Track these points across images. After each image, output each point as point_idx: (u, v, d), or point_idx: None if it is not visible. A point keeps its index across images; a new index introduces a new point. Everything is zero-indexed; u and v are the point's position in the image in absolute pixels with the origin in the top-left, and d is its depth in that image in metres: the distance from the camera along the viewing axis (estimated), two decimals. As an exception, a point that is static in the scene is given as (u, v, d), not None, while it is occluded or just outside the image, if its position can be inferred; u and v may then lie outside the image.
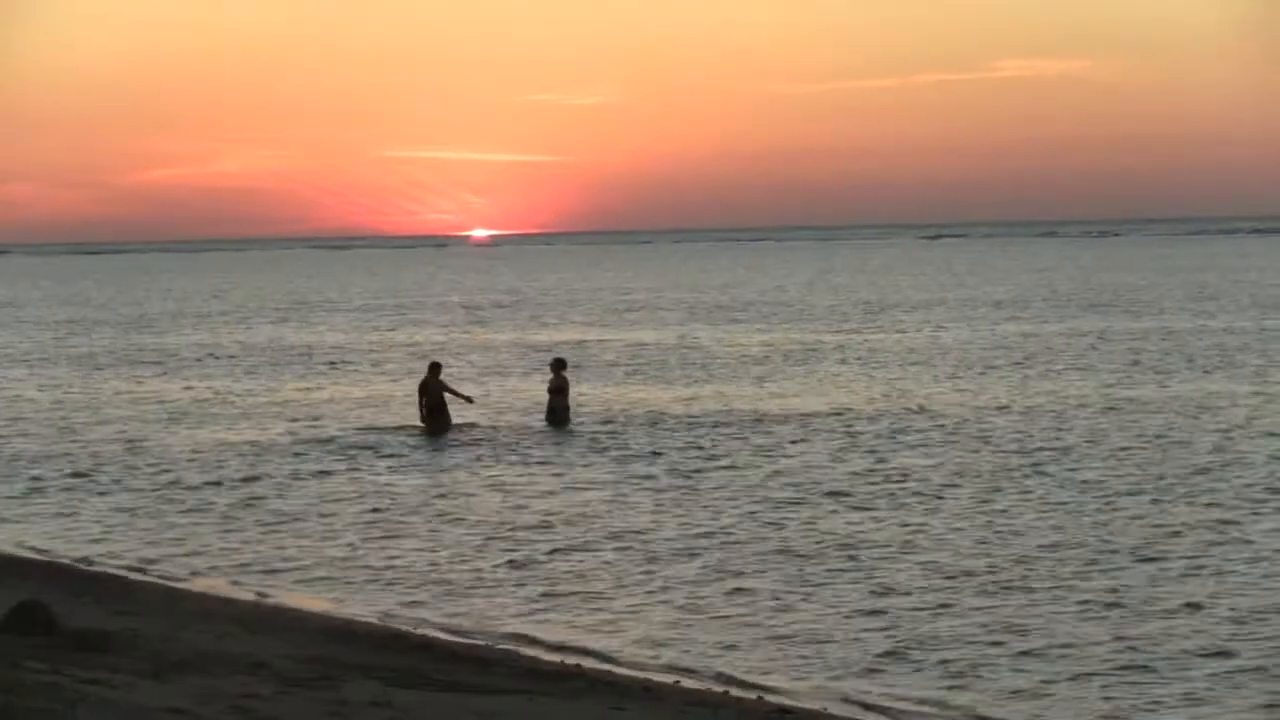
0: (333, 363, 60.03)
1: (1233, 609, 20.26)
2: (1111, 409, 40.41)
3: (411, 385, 43.36)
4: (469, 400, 39.32)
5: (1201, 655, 18.36)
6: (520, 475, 32.01)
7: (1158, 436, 35.24)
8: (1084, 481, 29.65)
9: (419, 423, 38.77)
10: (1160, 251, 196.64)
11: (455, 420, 38.84)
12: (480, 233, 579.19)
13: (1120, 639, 18.98)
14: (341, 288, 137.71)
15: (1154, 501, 27.44)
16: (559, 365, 40.12)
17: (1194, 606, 20.33)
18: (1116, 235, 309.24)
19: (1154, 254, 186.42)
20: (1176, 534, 24.74)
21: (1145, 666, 17.99)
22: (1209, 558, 23.11)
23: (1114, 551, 23.62)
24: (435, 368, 39.59)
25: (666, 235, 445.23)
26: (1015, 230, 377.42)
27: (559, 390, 39.41)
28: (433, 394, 38.81)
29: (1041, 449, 33.81)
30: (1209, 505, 27.06)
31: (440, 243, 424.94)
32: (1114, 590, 21.30)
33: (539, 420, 39.53)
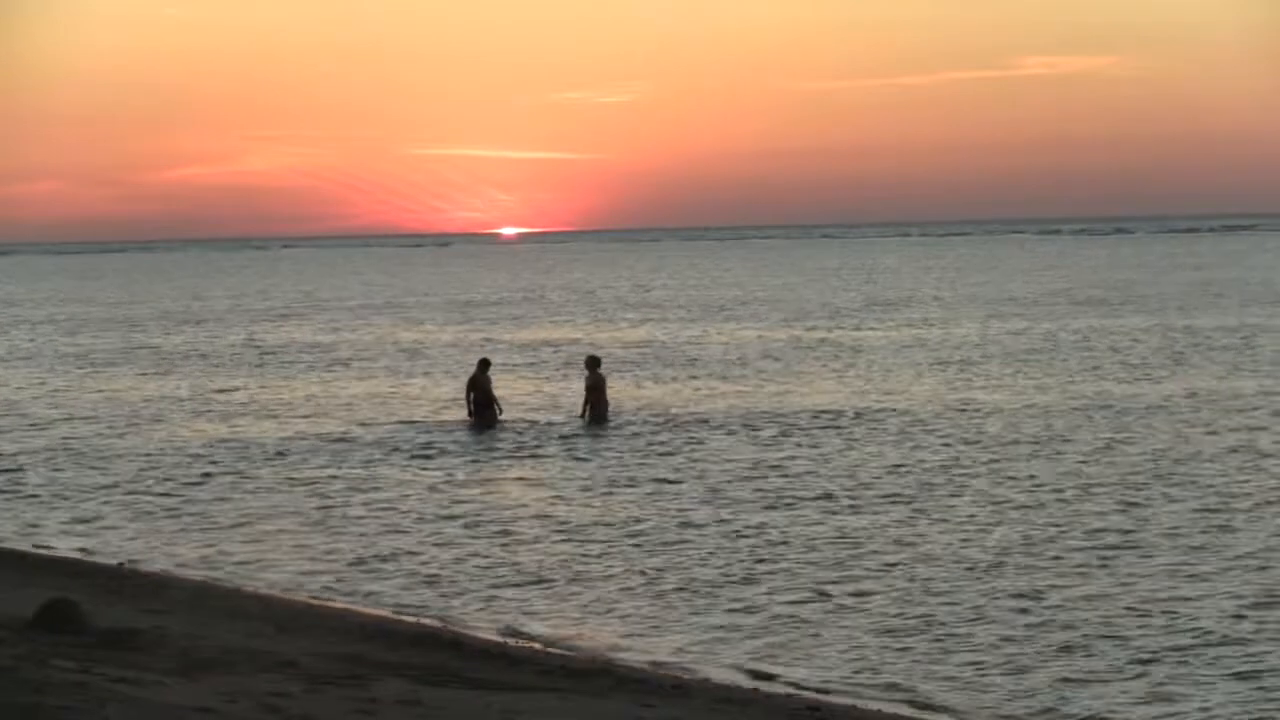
0: (366, 359, 60.10)
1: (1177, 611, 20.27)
2: (1104, 406, 40.37)
3: (435, 382, 43.30)
4: (499, 411, 39.41)
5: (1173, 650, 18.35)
6: (554, 473, 32.01)
7: (1129, 436, 35.17)
8: (1075, 479, 29.64)
9: (468, 418, 39.17)
10: (1184, 249, 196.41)
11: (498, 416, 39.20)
12: (509, 230, 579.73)
13: (1146, 637, 18.96)
14: (370, 285, 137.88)
15: (1121, 504, 27.33)
16: (594, 363, 40.20)
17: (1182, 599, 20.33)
18: (1137, 233, 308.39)
19: (1178, 251, 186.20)
20: (1162, 533, 24.77)
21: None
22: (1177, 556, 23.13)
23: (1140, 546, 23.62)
24: (484, 364, 40.08)
25: (696, 233, 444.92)
26: (1039, 227, 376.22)
27: (595, 387, 39.51)
28: (480, 390, 39.16)
29: (1038, 443, 33.82)
30: (1187, 506, 27.02)
31: (442, 241, 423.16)
32: (1143, 589, 21.27)
33: (575, 417, 39.50)
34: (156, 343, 72.71)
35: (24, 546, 25.82)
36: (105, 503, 29.96)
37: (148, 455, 35.68)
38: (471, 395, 39.30)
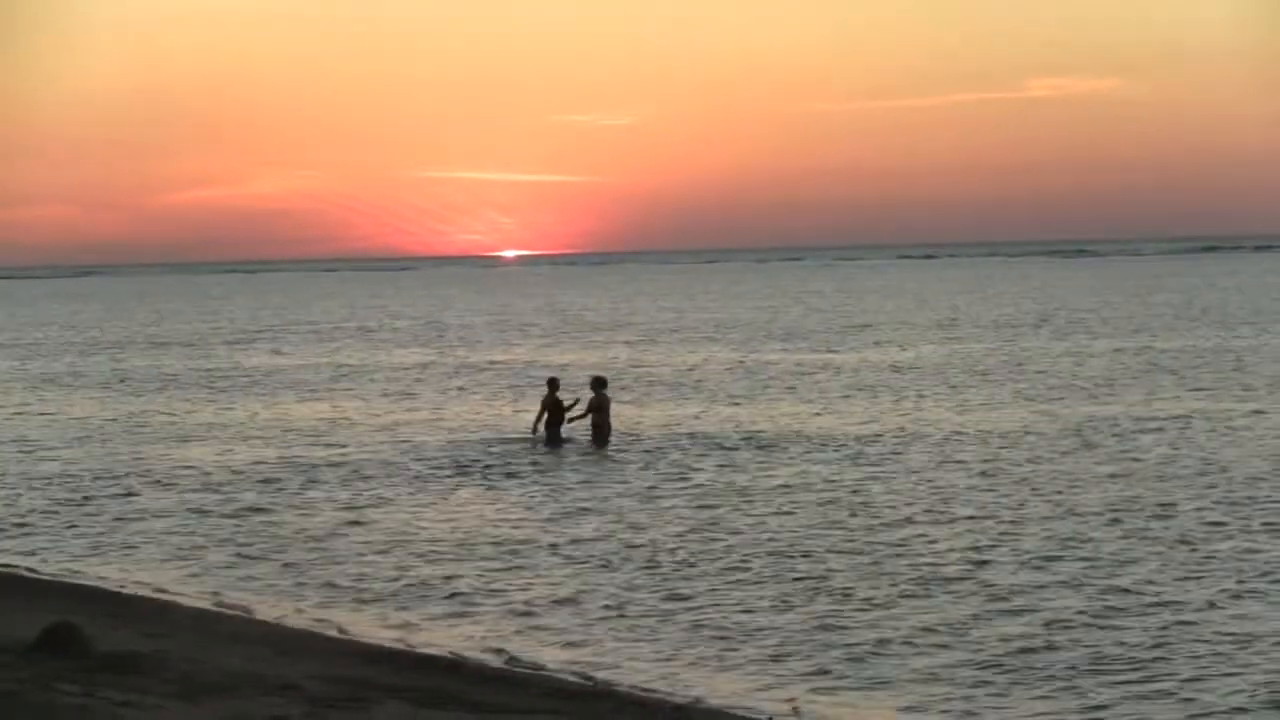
0: (319, 381, 60.13)
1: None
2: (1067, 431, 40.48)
3: (398, 402, 43.03)
4: (578, 414, 39.69)
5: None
6: (557, 495, 31.97)
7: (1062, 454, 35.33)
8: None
9: (532, 435, 39.68)
10: (1181, 269, 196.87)
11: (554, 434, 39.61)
12: (510, 253, 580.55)
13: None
14: (341, 309, 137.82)
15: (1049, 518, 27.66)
16: (600, 384, 40.22)
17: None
18: (1144, 255, 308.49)
19: (1171, 272, 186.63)
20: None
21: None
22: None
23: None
24: (554, 384, 40.46)
25: (696, 255, 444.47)
26: (1043, 248, 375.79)
27: (600, 409, 39.59)
28: (551, 409, 39.61)
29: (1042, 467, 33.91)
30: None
31: (404, 265, 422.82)
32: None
33: (581, 437, 39.60)
34: (119, 366, 73.04)
35: (24, 570, 25.85)
36: (115, 525, 29.97)
37: (167, 475, 35.77)
38: (544, 415, 39.53)
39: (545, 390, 40.61)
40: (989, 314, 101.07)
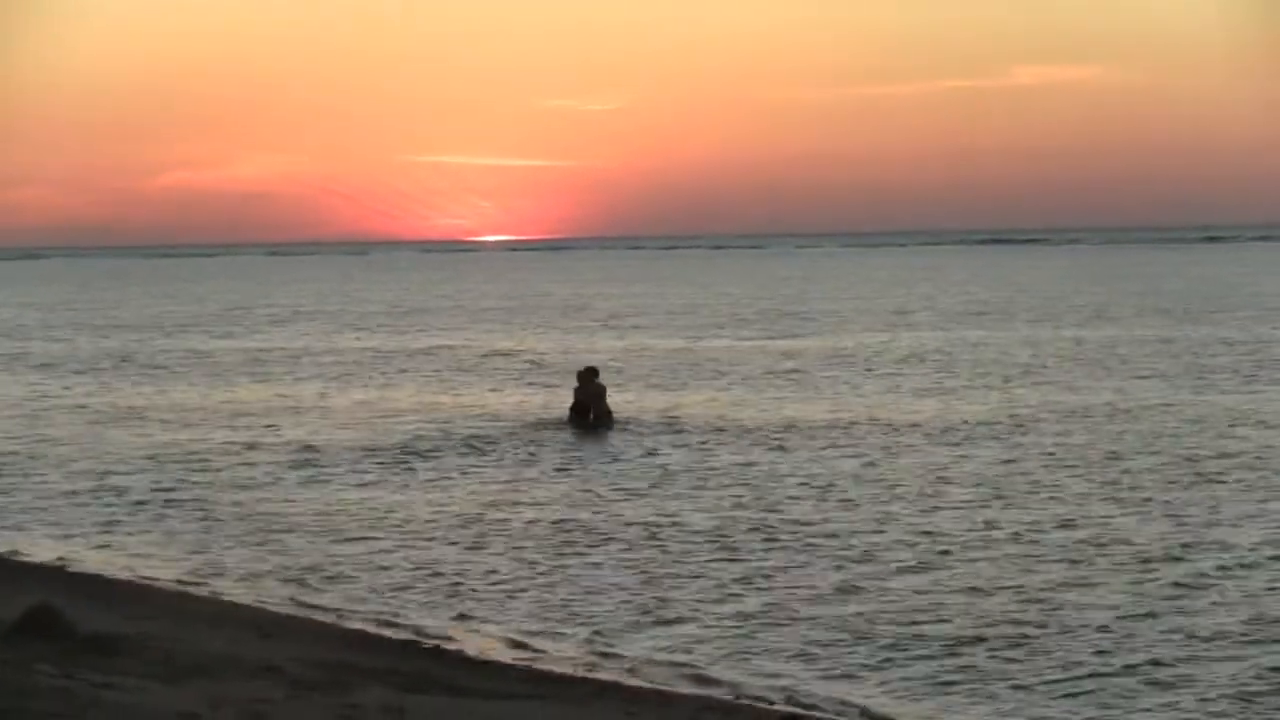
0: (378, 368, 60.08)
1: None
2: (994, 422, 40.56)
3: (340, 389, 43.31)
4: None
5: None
6: (545, 482, 31.97)
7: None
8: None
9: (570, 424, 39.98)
10: (1155, 258, 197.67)
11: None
12: (490, 238, 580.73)
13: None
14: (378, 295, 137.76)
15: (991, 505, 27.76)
16: (591, 374, 40.25)
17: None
18: (1132, 243, 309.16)
19: (1145, 260, 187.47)
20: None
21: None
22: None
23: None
24: (592, 373, 40.67)
25: (684, 241, 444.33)
26: (1025, 236, 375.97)
27: (598, 396, 39.73)
28: (584, 398, 39.93)
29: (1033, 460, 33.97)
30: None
31: (358, 250, 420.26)
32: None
33: (569, 427, 39.66)
34: (71, 348, 73.22)
35: (4, 553, 25.80)
36: (97, 509, 29.93)
37: (149, 460, 35.74)
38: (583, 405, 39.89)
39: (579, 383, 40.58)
40: (947, 302, 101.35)
